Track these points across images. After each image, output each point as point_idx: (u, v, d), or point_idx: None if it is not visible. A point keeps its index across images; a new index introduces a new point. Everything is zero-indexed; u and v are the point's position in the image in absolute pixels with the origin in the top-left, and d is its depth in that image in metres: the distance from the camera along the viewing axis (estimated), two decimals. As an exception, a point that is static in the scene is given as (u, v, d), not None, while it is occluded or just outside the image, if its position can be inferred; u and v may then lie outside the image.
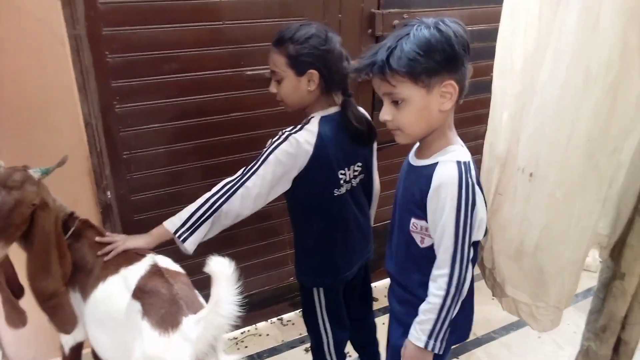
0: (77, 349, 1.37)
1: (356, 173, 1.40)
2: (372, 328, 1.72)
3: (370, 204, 1.53)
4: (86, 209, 1.54)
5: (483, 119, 2.40)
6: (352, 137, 1.35)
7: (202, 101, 1.68)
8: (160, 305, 1.07)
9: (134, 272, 1.16)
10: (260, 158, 1.27)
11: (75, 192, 1.54)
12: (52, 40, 1.38)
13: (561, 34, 1.08)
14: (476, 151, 2.70)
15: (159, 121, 1.64)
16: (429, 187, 1.08)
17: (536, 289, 1.29)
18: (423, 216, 1.11)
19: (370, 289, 1.67)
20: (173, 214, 1.76)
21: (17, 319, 1.21)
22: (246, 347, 2.04)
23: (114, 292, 1.16)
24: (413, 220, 1.14)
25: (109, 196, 1.63)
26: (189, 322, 1.03)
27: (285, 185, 1.31)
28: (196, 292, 1.17)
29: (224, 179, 1.30)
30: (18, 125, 1.44)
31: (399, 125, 1.07)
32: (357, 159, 1.39)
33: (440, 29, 1.01)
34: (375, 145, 1.47)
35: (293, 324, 2.16)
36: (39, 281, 1.16)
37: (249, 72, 1.71)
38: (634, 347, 1.34)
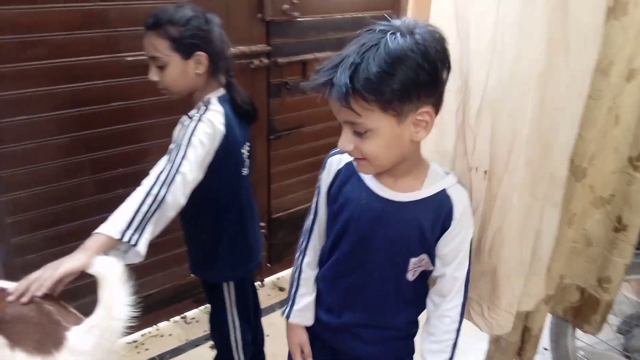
0: None
1: (248, 153, 1.39)
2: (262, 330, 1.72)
3: None
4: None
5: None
6: (240, 117, 1.34)
7: (76, 90, 1.55)
8: (32, 330, 0.94)
9: None
10: (182, 144, 1.18)
11: None
12: None
13: (504, 26, 1.03)
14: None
15: (26, 113, 1.49)
16: (450, 218, 0.95)
17: (490, 291, 1.26)
18: (424, 251, 0.98)
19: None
20: (52, 214, 1.64)
21: None
22: (147, 349, 1.94)
23: None
24: (412, 260, 0.99)
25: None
26: (76, 335, 0.93)
27: (203, 171, 1.23)
28: (67, 306, 1.04)
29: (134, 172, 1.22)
30: None
31: (364, 156, 0.88)
32: (246, 138, 1.38)
33: (417, 38, 0.81)
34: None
35: (197, 321, 2.09)
36: None
37: (129, 59, 1.60)
38: (537, 334, 1.37)
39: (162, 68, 1.23)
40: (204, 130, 1.21)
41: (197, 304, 2.13)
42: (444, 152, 1.22)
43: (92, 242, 1.05)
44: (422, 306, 1.09)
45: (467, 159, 1.18)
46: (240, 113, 1.33)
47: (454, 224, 0.95)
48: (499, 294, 1.22)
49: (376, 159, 0.88)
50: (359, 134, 0.85)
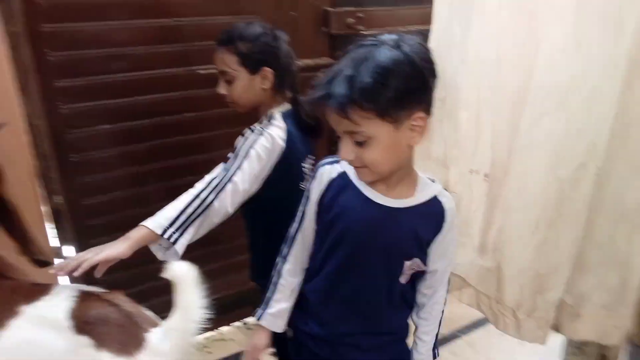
0: None
1: (310, 166, 1.41)
2: None
3: None
4: (33, 215, 1.47)
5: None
6: (304, 132, 1.36)
7: (153, 100, 1.64)
8: (115, 331, 0.99)
9: (51, 308, 1.02)
10: (239, 154, 1.24)
11: (19, 197, 1.47)
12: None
13: (546, 41, 1.09)
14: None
15: (108, 122, 1.59)
16: (443, 221, 1.03)
17: (495, 287, 1.29)
18: (418, 253, 1.05)
19: None
20: (128, 217, 1.72)
21: None
22: (210, 352, 1.99)
23: (31, 338, 1.01)
24: (407, 263, 1.04)
25: (58, 201, 1.57)
26: (155, 336, 0.99)
27: (258, 184, 1.27)
28: (141, 307, 1.09)
29: (193, 179, 1.25)
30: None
31: (365, 164, 0.93)
32: (309, 152, 1.40)
33: (404, 50, 0.87)
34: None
35: (258, 327, 2.12)
36: None
37: (202, 71, 1.68)
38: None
39: (229, 82, 1.29)
40: (263, 144, 1.24)
41: (258, 310, 2.17)
42: (435, 158, 1.34)
43: (135, 232, 1.14)
44: (411, 308, 1.15)
45: (463, 164, 1.25)
46: (305, 128, 1.36)
47: (446, 226, 1.03)
48: (504, 291, 1.28)
49: (377, 165, 0.93)
50: (359, 143, 0.90)
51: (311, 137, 1.39)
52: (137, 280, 1.70)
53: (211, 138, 1.79)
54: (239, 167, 1.22)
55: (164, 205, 1.76)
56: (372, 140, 0.89)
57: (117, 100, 1.59)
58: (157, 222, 1.14)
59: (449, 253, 1.07)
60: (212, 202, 1.18)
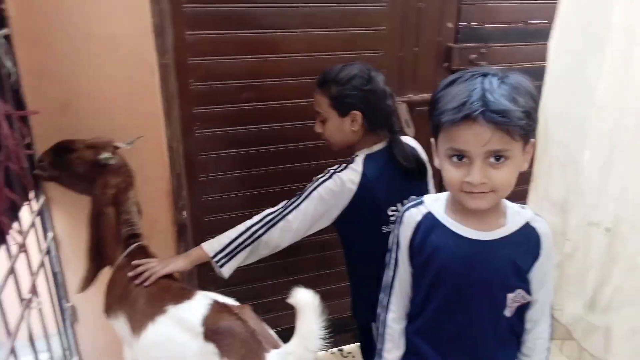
0: None
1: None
2: None
3: None
4: (163, 228, 1.62)
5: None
6: (401, 173, 1.34)
7: (277, 129, 1.74)
8: (239, 345, 1.06)
9: (190, 312, 1.13)
10: (303, 193, 1.29)
11: (154, 212, 1.62)
12: (142, 69, 1.48)
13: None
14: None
15: (234, 147, 1.71)
16: (539, 247, 1.00)
17: (602, 347, 1.20)
18: (520, 284, 1.01)
19: None
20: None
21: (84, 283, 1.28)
22: (305, 375, 2.02)
23: (171, 335, 1.13)
24: (509, 295, 1.01)
25: (185, 216, 1.70)
26: (273, 358, 1.03)
27: (326, 222, 1.32)
28: (264, 323, 1.17)
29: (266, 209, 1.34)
30: (106, 148, 1.54)
31: (495, 187, 0.91)
32: (411, 193, 1.36)
33: (521, 82, 0.92)
34: (430, 177, 1.44)
35: (354, 356, 2.12)
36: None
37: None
38: None
39: (323, 122, 1.34)
40: (328, 187, 1.27)
41: (355, 339, 2.17)
42: (553, 200, 1.27)
43: (194, 251, 1.33)
44: (519, 343, 1.09)
45: (583, 213, 1.18)
46: (401, 170, 1.33)
47: (543, 252, 0.99)
48: (611, 352, 1.19)
49: (505, 188, 0.92)
50: (495, 164, 0.89)
51: (409, 179, 1.35)
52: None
53: (327, 166, 1.84)
54: (296, 206, 1.27)
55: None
56: (509, 162, 0.90)
57: (244, 127, 1.70)
58: (212, 245, 1.30)
59: (549, 280, 1.03)
60: (260, 236, 1.27)
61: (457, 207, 1.00)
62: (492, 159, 0.89)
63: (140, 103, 1.51)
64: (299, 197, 1.29)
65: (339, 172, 1.30)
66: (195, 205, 1.73)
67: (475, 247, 0.99)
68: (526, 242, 1.00)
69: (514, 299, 1.01)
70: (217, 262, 1.28)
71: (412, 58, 1.81)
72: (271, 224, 1.27)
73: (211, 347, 1.06)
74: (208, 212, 1.76)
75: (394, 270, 1.12)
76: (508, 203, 1.02)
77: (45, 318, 1.47)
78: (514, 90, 0.88)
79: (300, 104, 1.73)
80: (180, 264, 1.29)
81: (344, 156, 1.80)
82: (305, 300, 0.99)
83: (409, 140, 1.44)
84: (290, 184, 1.82)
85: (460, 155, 0.91)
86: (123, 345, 1.35)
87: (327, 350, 2.15)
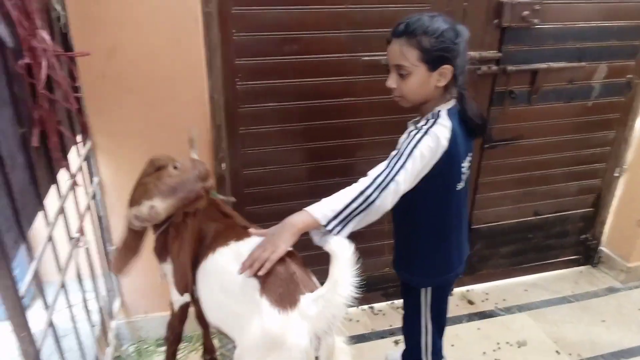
0: (185, 307, 1.48)
1: (469, 165, 1.37)
2: None
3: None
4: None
5: (612, 124, 2.20)
6: (467, 130, 1.31)
7: (318, 84, 1.71)
8: (278, 284, 1.09)
9: (246, 248, 1.19)
10: (403, 152, 1.22)
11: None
12: (186, 17, 1.47)
13: None
14: (600, 159, 2.47)
15: (274, 100, 1.70)
16: None
17: None
18: None
19: None
20: (279, 191, 1.85)
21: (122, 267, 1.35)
22: (335, 330, 2.06)
23: (226, 265, 1.20)
24: None
25: (224, 168, 1.72)
26: (306, 300, 1.06)
27: (417, 181, 1.26)
28: (309, 271, 1.19)
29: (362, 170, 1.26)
30: (149, 96, 1.55)
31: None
32: (469, 151, 1.36)
33: None
34: None
35: (384, 314, 2.15)
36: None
37: (365, 58, 1.71)
38: None
39: (403, 76, 1.24)
40: (427, 144, 1.21)
41: (386, 297, 2.19)
42: None
43: (300, 220, 1.17)
44: None
45: None
46: (468, 127, 1.31)
47: None
48: None
49: None
50: None
51: (472, 136, 1.34)
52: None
53: (365, 124, 1.82)
54: (402, 167, 1.20)
55: (312, 183, 1.87)
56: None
57: (285, 81, 1.68)
58: (322, 212, 1.17)
59: None
60: (374, 200, 1.18)
61: None
62: None
63: (183, 52, 1.50)
64: (401, 157, 1.22)
65: (431, 127, 1.24)
66: (234, 157, 1.74)
67: None
68: None
69: None
70: (332, 230, 1.17)
71: (460, 13, 1.73)
72: (383, 187, 1.20)
73: (254, 282, 1.11)
74: (247, 165, 1.78)
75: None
76: None
77: (91, 259, 1.53)
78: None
79: (342, 58, 1.69)
80: (288, 242, 1.16)
81: (388, 114, 1.78)
82: (339, 247, 1.00)
83: None
84: (330, 140, 1.82)
85: None
86: (170, 288, 1.41)
87: (358, 307, 2.18)
